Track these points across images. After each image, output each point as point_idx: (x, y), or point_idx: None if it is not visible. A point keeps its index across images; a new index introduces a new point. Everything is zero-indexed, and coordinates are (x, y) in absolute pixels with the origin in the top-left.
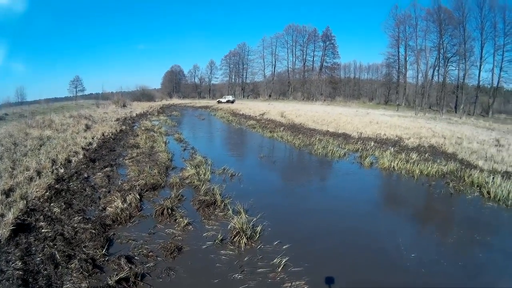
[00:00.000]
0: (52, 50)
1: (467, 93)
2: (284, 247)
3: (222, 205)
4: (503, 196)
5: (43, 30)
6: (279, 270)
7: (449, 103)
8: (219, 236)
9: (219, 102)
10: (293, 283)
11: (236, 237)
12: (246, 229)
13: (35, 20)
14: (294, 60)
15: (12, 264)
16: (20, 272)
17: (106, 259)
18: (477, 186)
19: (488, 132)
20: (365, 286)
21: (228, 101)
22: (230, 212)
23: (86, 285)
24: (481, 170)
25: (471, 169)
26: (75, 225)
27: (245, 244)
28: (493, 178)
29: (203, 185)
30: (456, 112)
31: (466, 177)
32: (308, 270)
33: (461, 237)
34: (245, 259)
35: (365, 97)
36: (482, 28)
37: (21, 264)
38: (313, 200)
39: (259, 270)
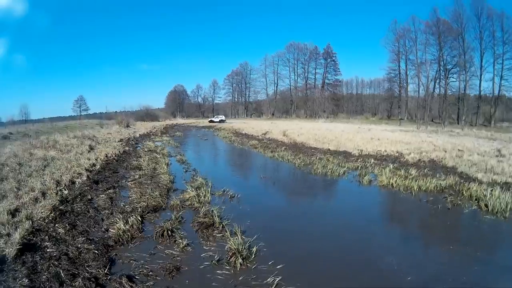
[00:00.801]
0: (56, 69)
1: (469, 104)
2: (278, 267)
3: (220, 226)
4: (501, 208)
5: (47, 50)
6: None
7: (451, 115)
8: (215, 257)
9: (211, 121)
10: None
11: (232, 258)
12: (241, 250)
13: (40, 39)
14: (296, 78)
15: (19, 281)
16: None
17: (109, 278)
18: (475, 199)
19: (489, 143)
20: None
21: (221, 121)
22: (228, 233)
23: None
24: (480, 183)
25: (469, 183)
26: (79, 245)
27: (241, 264)
28: (491, 190)
29: (202, 207)
30: (458, 123)
31: (464, 191)
32: None
33: (457, 252)
34: (240, 278)
35: (368, 113)
36: (481, 37)
37: (27, 281)
38: (310, 221)
39: None
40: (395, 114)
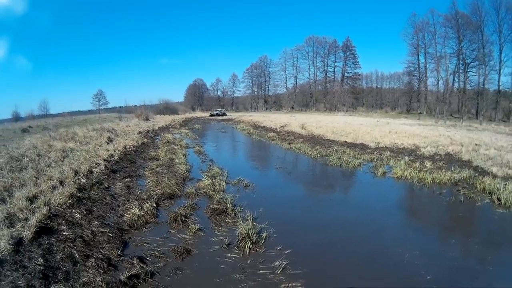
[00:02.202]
0: (76, 64)
1: (488, 99)
2: (286, 252)
3: (233, 213)
4: None
5: (67, 45)
6: (278, 272)
7: (470, 110)
8: (226, 241)
9: (211, 115)
10: (289, 284)
11: (242, 242)
12: (251, 235)
13: (59, 35)
14: (315, 72)
15: (34, 261)
16: (41, 268)
17: (121, 259)
18: (489, 193)
19: (507, 138)
20: None
21: (218, 114)
22: (240, 219)
23: (101, 279)
24: (494, 177)
25: (484, 176)
26: (94, 229)
27: (250, 248)
28: (505, 184)
29: (216, 195)
30: (477, 118)
31: (478, 184)
32: (306, 273)
33: (466, 243)
34: (248, 261)
35: (387, 107)
36: (500, 31)
37: (42, 261)
38: (321, 210)
39: (260, 271)
40: (414, 108)
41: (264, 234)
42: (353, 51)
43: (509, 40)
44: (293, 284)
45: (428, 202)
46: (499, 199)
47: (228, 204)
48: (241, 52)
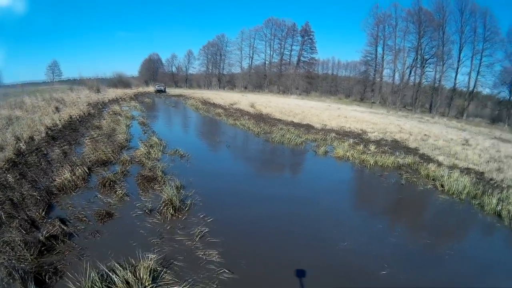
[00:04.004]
0: (30, 33)
1: (443, 95)
2: (208, 220)
3: (162, 180)
4: (458, 190)
5: (21, 13)
6: (196, 239)
7: (424, 104)
8: (149, 206)
9: (157, 91)
10: (205, 251)
11: (164, 208)
12: (174, 201)
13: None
14: (271, 54)
15: None
16: None
17: (44, 220)
18: (432, 179)
19: (458, 132)
20: (276, 264)
21: (161, 91)
22: (170, 186)
23: (20, 239)
24: (440, 165)
25: (429, 163)
26: (24, 192)
27: (172, 214)
28: (450, 172)
29: (150, 163)
30: (430, 112)
31: (422, 170)
32: (224, 243)
33: (400, 224)
34: (168, 227)
35: (341, 94)
36: (461, 31)
37: None
38: (252, 183)
39: (178, 237)
40: (368, 98)
41: (188, 202)
42: (311, 36)
43: (470, 41)
44: (209, 251)
45: (367, 183)
46: (442, 186)
47: (158, 172)
48: (200, 30)
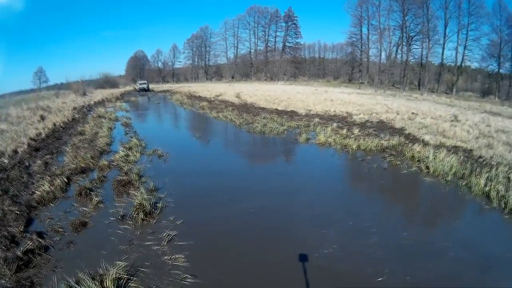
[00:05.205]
0: (15, 41)
1: (431, 71)
2: (178, 222)
3: (137, 184)
4: (443, 171)
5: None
6: (164, 243)
7: (413, 81)
8: (121, 212)
9: (140, 89)
10: (172, 256)
11: (135, 213)
12: (145, 205)
13: None
14: (256, 41)
15: None
16: None
17: (24, 235)
18: (417, 160)
19: (447, 108)
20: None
21: (145, 89)
22: (142, 190)
23: (1, 255)
24: (426, 145)
25: (414, 144)
26: (5, 208)
27: (142, 219)
28: (436, 152)
29: (126, 166)
30: (419, 89)
31: (406, 152)
32: (191, 246)
33: (379, 211)
34: (138, 233)
35: (329, 76)
36: (446, 7)
37: None
38: (227, 179)
39: (147, 243)
40: (356, 78)
41: (160, 205)
42: (295, 21)
43: (455, 16)
44: (176, 256)
45: (348, 169)
46: (427, 168)
47: (133, 175)
48: (183, 23)
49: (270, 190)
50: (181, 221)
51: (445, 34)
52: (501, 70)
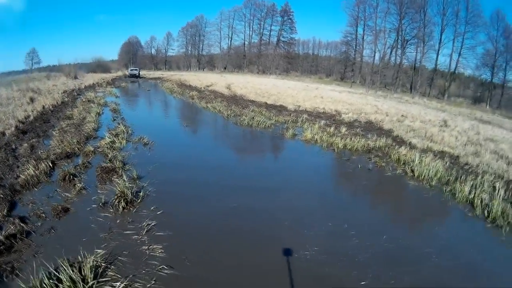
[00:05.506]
0: (8, 21)
1: (424, 75)
2: (158, 212)
3: (121, 172)
4: (428, 176)
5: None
6: (143, 233)
7: (405, 84)
8: (102, 200)
9: (131, 75)
10: (150, 246)
11: (117, 201)
12: (127, 194)
13: None
14: (251, 34)
15: None
16: None
17: (6, 219)
18: (403, 163)
19: (437, 113)
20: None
21: (136, 76)
22: (125, 178)
23: None
24: (413, 148)
25: (400, 146)
26: None
27: (123, 207)
28: (422, 156)
29: (111, 153)
30: (411, 92)
31: (392, 154)
32: (170, 236)
33: (359, 214)
34: (118, 221)
35: (322, 73)
36: (443, 14)
37: None
38: (209, 171)
39: (126, 232)
40: (348, 77)
41: (141, 194)
42: (290, 17)
43: (451, 23)
44: (154, 246)
45: (332, 168)
46: (412, 171)
47: (117, 163)
48: (179, 11)
49: (252, 186)
50: (161, 211)
51: (440, 40)
52: (494, 80)
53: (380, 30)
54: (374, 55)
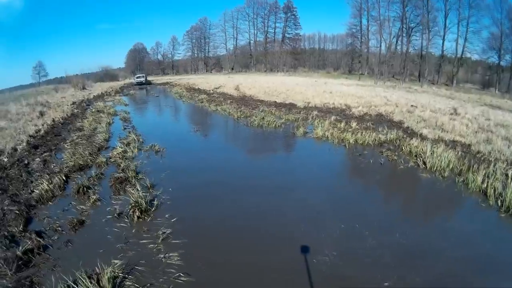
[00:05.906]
0: (14, 36)
1: (431, 63)
2: (172, 220)
3: (134, 181)
4: (440, 167)
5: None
6: (159, 241)
7: (413, 72)
8: (117, 210)
9: (137, 84)
10: (166, 254)
11: (131, 211)
12: (141, 203)
13: None
14: (255, 32)
15: None
16: None
17: (23, 234)
18: (414, 155)
19: (447, 101)
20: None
21: (142, 83)
22: (138, 187)
23: (1, 255)
24: (424, 139)
25: (412, 138)
26: (5, 208)
27: (138, 217)
28: (434, 147)
29: (123, 162)
30: (419, 81)
31: (404, 147)
32: (186, 244)
33: (373, 210)
34: (133, 231)
35: (329, 67)
36: None
37: None
38: (222, 174)
39: (142, 241)
40: (356, 69)
41: (155, 202)
42: (294, 12)
43: (455, 8)
44: (170, 254)
45: (345, 164)
46: (424, 163)
47: (129, 172)
48: (182, 15)
49: (266, 187)
50: (176, 218)
51: (445, 25)
52: (501, 63)
53: (384, 19)
54: (380, 45)
